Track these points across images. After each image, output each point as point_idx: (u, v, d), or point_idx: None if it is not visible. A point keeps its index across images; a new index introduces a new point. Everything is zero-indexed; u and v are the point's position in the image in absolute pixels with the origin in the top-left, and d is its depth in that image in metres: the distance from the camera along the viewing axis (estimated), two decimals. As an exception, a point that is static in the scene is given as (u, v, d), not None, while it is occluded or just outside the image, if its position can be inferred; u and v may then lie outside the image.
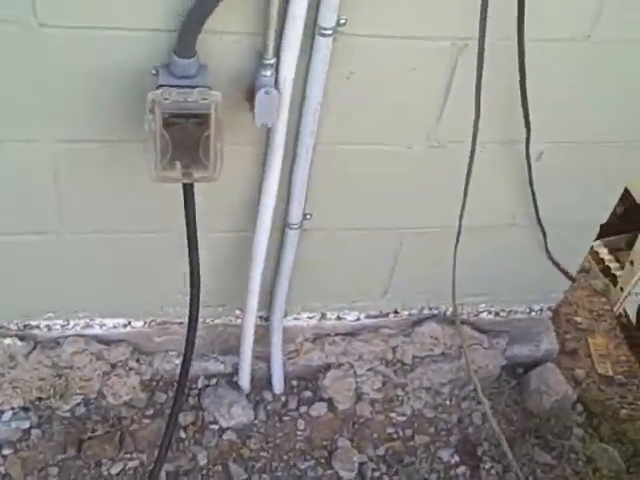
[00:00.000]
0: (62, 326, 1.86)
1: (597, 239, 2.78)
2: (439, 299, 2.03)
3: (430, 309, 2.07)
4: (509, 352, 2.19)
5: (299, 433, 1.98)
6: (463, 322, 2.11)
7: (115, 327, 1.90)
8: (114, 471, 1.84)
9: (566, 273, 2.04)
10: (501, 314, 2.15)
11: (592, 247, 2.77)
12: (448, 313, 2.09)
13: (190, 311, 1.63)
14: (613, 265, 2.73)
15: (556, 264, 1.99)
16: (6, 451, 1.86)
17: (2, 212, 1.57)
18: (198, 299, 1.61)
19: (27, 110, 1.40)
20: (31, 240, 1.63)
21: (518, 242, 1.91)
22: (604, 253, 2.79)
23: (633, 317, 2.48)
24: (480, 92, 1.43)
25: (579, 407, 2.20)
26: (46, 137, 1.45)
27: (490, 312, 2.13)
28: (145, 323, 1.91)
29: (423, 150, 1.63)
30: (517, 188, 1.76)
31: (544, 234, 1.87)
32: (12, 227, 1.60)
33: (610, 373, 2.36)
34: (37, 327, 1.85)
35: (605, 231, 2.76)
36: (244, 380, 2.00)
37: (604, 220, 1.94)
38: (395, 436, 2.02)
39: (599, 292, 2.66)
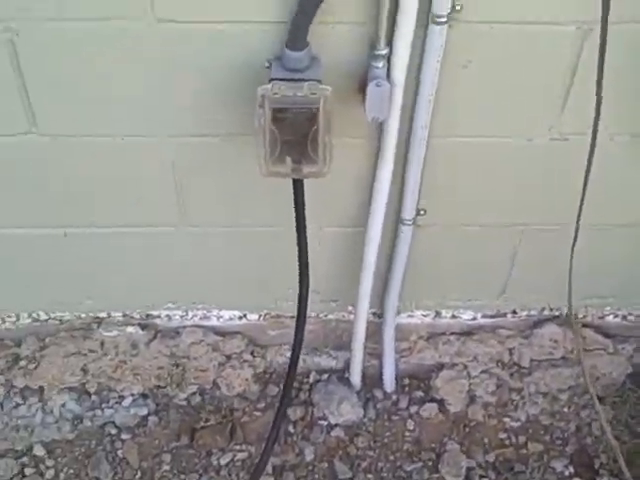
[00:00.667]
0: (181, 316, 1.90)
1: None
2: (561, 300, 1.91)
3: (551, 310, 1.97)
4: (636, 359, 2.06)
5: (407, 434, 1.94)
6: (587, 325, 2.01)
7: (231, 319, 1.92)
8: (223, 462, 1.87)
9: None
10: (629, 318, 2.02)
11: None
12: (569, 316, 1.98)
13: (299, 307, 1.62)
14: None
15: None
16: (125, 436, 1.92)
17: (126, 206, 1.62)
18: (307, 294, 1.60)
19: (147, 105, 1.43)
20: (152, 232, 1.67)
21: (648, 241, 1.79)
22: None
23: None
24: (602, 80, 1.33)
25: None
26: (166, 131, 1.48)
27: (617, 315, 2.01)
28: (260, 316, 1.93)
29: (545, 143, 1.54)
30: (648, 184, 1.64)
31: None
32: (135, 220, 1.65)
33: None
34: (158, 317, 1.90)
35: None
36: (355, 377, 1.98)
37: None
38: (507, 442, 1.94)
39: None
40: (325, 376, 2.02)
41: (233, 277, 1.80)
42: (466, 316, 1.97)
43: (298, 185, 1.44)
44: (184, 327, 1.90)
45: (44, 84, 1.38)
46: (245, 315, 1.91)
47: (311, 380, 2.02)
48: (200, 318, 1.89)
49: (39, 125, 1.44)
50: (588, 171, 1.45)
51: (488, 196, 1.66)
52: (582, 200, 1.51)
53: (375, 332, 1.94)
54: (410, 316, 1.95)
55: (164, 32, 1.31)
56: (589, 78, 1.37)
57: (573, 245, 1.59)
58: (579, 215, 1.54)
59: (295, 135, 1.31)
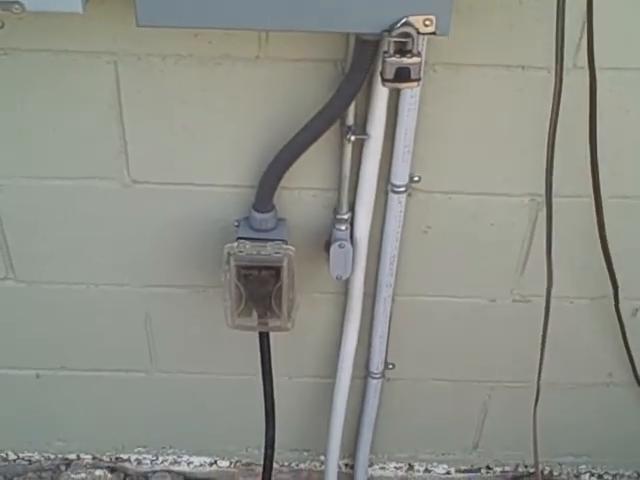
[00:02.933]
0: (151, 461, 1.90)
1: None
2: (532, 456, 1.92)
3: (526, 467, 1.96)
4: (615, 519, 2.02)
5: None
6: (563, 483, 1.98)
7: (202, 465, 1.92)
8: None
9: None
10: (605, 477, 2.00)
11: None
12: (546, 472, 1.97)
13: (265, 454, 1.63)
14: None
15: (664, 423, 1.85)
16: None
17: (98, 350, 1.66)
18: (273, 443, 1.61)
19: (120, 256, 1.50)
20: (123, 377, 1.71)
21: (618, 402, 1.80)
22: None
23: None
24: (550, 250, 1.40)
25: None
26: (136, 282, 1.55)
27: (593, 474, 1.99)
28: (231, 463, 1.92)
29: (508, 304, 1.59)
30: (612, 345, 1.67)
31: (647, 392, 1.76)
32: (106, 364, 1.69)
33: None
34: (128, 460, 1.90)
35: None
36: (328, 530, 1.94)
37: None
38: None
39: None
40: (298, 528, 1.98)
41: (204, 423, 1.81)
42: (439, 470, 1.95)
43: (264, 337, 1.48)
44: (154, 472, 1.89)
45: (22, 234, 1.47)
46: (216, 461, 1.90)
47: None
48: (170, 463, 1.89)
49: (16, 271, 1.52)
50: (545, 332, 1.49)
51: (454, 352, 1.69)
52: (541, 360, 1.55)
53: (348, 483, 1.93)
54: (382, 468, 1.94)
55: (139, 192, 1.40)
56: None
57: (535, 404, 1.61)
58: (539, 374, 1.57)
59: (260, 291, 1.37)
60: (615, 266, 1.49)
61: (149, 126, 1.32)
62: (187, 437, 1.85)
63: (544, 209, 1.42)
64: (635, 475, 2.01)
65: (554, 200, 1.36)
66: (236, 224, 1.40)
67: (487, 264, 1.53)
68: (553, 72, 1.21)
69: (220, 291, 1.47)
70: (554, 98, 1.20)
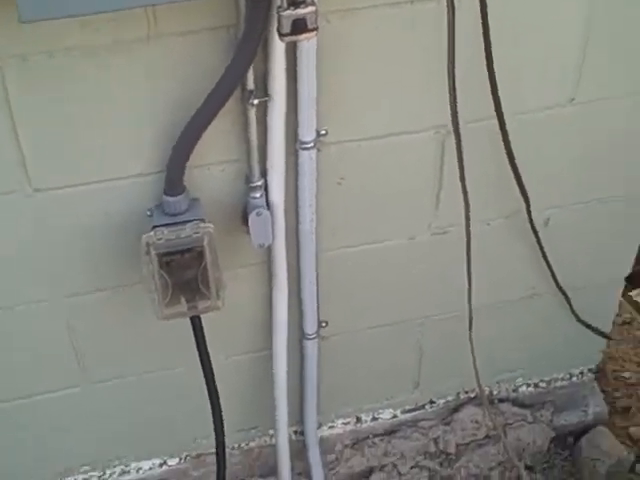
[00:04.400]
0: (99, 477, 1.81)
1: (634, 288, 2.74)
2: (474, 381, 1.96)
3: (466, 393, 2.00)
4: (556, 422, 2.10)
5: None
6: (503, 400, 2.04)
7: (151, 468, 1.85)
8: None
9: (599, 332, 1.98)
10: (541, 385, 2.08)
11: (631, 297, 2.72)
12: (486, 393, 2.02)
13: (216, 441, 1.58)
14: (656, 313, 2.66)
15: (587, 325, 1.93)
16: None
17: (25, 374, 1.55)
18: (222, 427, 1.56)
19: (32, 272, 1.40)
20: (56, 397, 1.61)
21: (544, 311, 1.87)
22: (644, 302, 2.72)
23: (681, 363, 2.40)
24: (464, 176, 1.42)
25: (639, 467, 2.10)
26: (55, 295, 1.45)
27: (529, 385, 2.06)
28: (180, 459, 1.86)
29: (427, 239, 1.61)
30: (531, 258, 1.72)
31: (567, 298, 1.83)
32: (37, 388, 1.58)
33: (666, 425, 2.27)
34: (75, 482, 1.81)
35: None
36: (288, 500, 1.93)
37: (626, 273, 1.90)
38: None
39: (646, 342, 2.58)
40: (258, 505, 1.96)
41: (146, 425, 1.74)
42: (386, 415, 1.97)
43: (196, 321, 1.43)
44: (103, 488, 1.82)
45: None
46: (165, 462, 1.84)
47: (243, 513, 1.95)
48: (119, 474, 1.81)
49: None
50: (469, 255, 1.52)
51: (384, 298, 1.70)
52: (469, 285, 1.57)
53: (300, 450, 1.91)
54: (331, 427, 1.94)
55: (43, 200, 1.30)
56: (457, 173, 1.45)
57: (470, 327, 1.64)
58: (469, 299, 1.60)
59: (185, 275, 1.31)
60: (524, 181, 1.53)
61: (45, 131, 1.22)
62: (132, 444, 1.77)
63: (450, 140, 1.44)
64: (568, 376, 2.10)
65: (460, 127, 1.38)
66: (149, 213, 1.33)
67: (403, 204, 1.53)
68: (442, 2, 1.20)
69: (139, 287, 1.42)
70: (449, 26, 1.20)
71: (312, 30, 1.08)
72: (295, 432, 1.89)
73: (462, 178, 1.42)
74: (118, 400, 1.66)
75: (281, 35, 1.06)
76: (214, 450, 1.76)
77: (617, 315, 2.59)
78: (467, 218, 1.48)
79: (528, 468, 2.05)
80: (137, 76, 1.20)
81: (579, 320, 1.90)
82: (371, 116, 1.37)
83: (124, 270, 1.43)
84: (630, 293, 2.67)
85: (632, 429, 2.23)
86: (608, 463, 2.04)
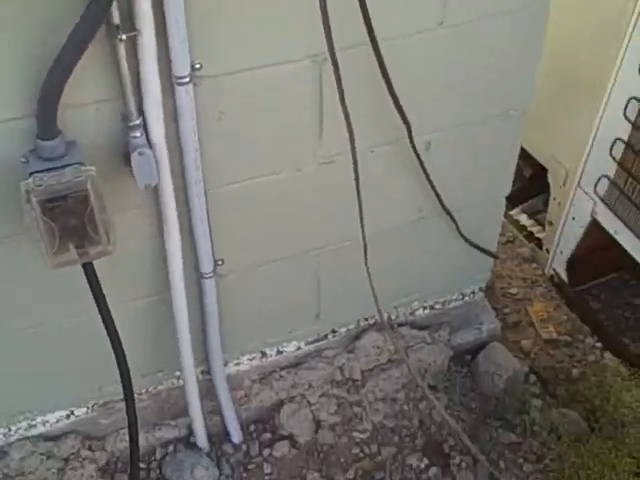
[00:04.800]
0: (4, 434, 1.80)
1: (514, 207, 2.86)
2: (373, 308, 2.01)
3: (366, 320, 2.07)
4: (454, 342, 2.20)
5: (267, 478, 1.94)
6: (401, 324, 2.12)
7: (58, 420, 1.85)
8: None
9: (486, 251, 2.06)
10: (436, 306, 2.16)
11: (512, 216, 2.83)
12: (381, 320, 2.09)
13: (124, 387, 1.59)
14: (535, 229, 2.78)
15: (474, 245, 2.01)
16: None
17: None
18: (128, 372, 1.57)
19: None
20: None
21: (432, 233, 1.93)
22: (524, 219, 2.84)
23: (564, 275, 2.53)
24: (344, 102, 1.44)
25: (532, 378, 2.22)
26: None
27: (425, 307, 2.15)
28: (88, 409, 1.86)
29: (314, 169, 1.63)
30: (416, 182, 1.77)
31: (454, 219, 1.89)
32: None
33: (555, 336, 2.40)
34: (-22, 441, 1.78)
35: (519, 197, 2.84)
36: (201, 439, 1.96)
37: (507, 193, 1.98)
38: (362, 455, 2.00)
39: (528, 259, 2.70)
40: (171, 448, 1.98)
41: (49, 377, 1.73)
42: (290, 348, 2.01)
43: (89, 268, 1.41)
44: (10, 444, 1.80)
45: None
46: (72, 412, 1.84)
47: (158, 456, 1.97)
48: (25, 429, 1.80)
49: None
50: (357, 183, 1.55)
51: (277, 232, 1.72)
52: (360, 211, 1.61)
53: (209, 389, 1.94)
54: (237, 364, 1.97)
55: None
56: (337, 102, 1.47)
57: (365, 254, 1.68)
58: (362, 225, 1.64)
59: (71, 221, 1.29)
60: (404, 106, 1.56)
61: None
62: (35, 398, 1.76)
63: (326, 68, 1.45)
64: (460, 297, 2.19)
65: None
66: (23, 160, 1.29)
67: (286, 135, 1.55)
68: None
69: (24, 237, 1.39)
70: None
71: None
72: (202, 372, 1.92)
73: (343, 105, 1.44)
74: (17, 353, 1.64)
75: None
76: (121, 397, 1.77)
77: (500, 234, 2.72)
78: (352, 144, 1.51)
79: (431, 387, 2.14)
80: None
81: (467, 240, 1.98)
82: (244, 47, 1.36)
83: (5, 222, 1.40)
84: (511, 212, 2.80)
85: (523, 342, 2.36)
86: (505, 376, 2.16)
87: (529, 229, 2.79)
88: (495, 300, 2.48)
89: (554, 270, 2.57)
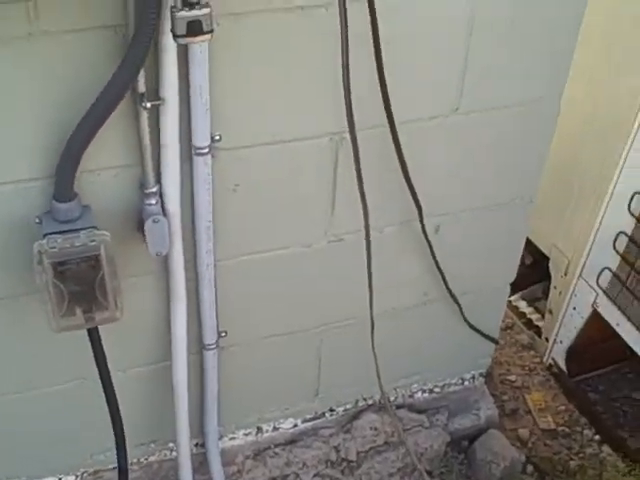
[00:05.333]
0: (-11, 499, 1.75)
1: (513, 294, 2.86)
2: (371, 389, 2.00)
3: (365, 400, 2.04)
4: (451, 427, 2.17)
5: None
6: (399, 406, 2.09)
7: (46, 487, 1.80)
8: None
9: (488, 336, 2.06)
10: (435, 390, 2.14)
11: (511, 302, 2.83)
12: (382, 401, 2.06)
13: (118, 456, 1.56)
14: (534, 316, 2.77)
15: (477, 330, 2.01)
16: None
17: None
18: (124, 442, 1.54)
19: None
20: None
21: (436, 317, 1.93)
22: (523, 306, 2.84)
23: (563, 365, 2.51)
24: (362, 181, 1.46)
25: (529, 468, 2.19)
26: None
27: (424, 390, 2.12)
28: (77, 477, 1.82)
29: (323, 246, 1.64)
30: (423, 265, 1.78)
31: (458, 304, 1.89)
32: None
33: (553, 426, 2.37)
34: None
35: (519, 284, 2.85)
36: (190, 514, 1.91)
37: (512, 279, 1.99)
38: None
39: (527, 346, 2.69)
40: (159, 522, 1.93)
41: (40, 442, 1.69)
42: (287, 425, 1.98)
43: (94, 333, 1.41)
44: (-4, 509, 1.75)
45: None
46: (61, 479, 1.79)
47: (145, 530, 1.91)
48: (12, 495, 1.76)
49: None
50: (369, 263, 1.55)
51: (282, 306, 1.72)
52: (370, 291, 1.61)
53: (202, 463, 1.90)
54: (232, 438, 1.94)
55: None
56: (350, 181, 1.49)
57: (372, 334, 1.68)
58: (371, 305, 1.64)
59: (81, 285, 1.29)
60: (416, 188, 1.58)
61: None
62: (25, 463, 1.72)
63: (342, 147, 1.48)
64: (460, 381, 2.17)
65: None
66: (37, 221, 1.30)
67: (298, 211, 1.56)
68: (329, 9, 1.25)
69: (34, 297, 1.38)
70: (342, 32, 1.23)
71: (207, 32, 1.10)
72: (196, 445, 1.88)
73: (360, 184, 1.46)
74: (9, 415, 1.61)
75: (175, 37, 1.07)
76: (112, 466, 1.74)
77: (500, 320, 2.72)
78: (366, 223, 1.52)
79: (427, 472, 2.10)
80: (16, 75, 1.18)
81: (470, 325, 1.97)
82: (264, 121, 1.39)
83: (11, 281, 1.39)
84: (510, 298, 2.79)
85: (520, 431, 2.33)
86: (502, 465, 2.12)
87: (528, 316, 2.78)
88: (493, 387, 2.45)
89: (553, 359, 2.56)
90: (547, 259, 2.53)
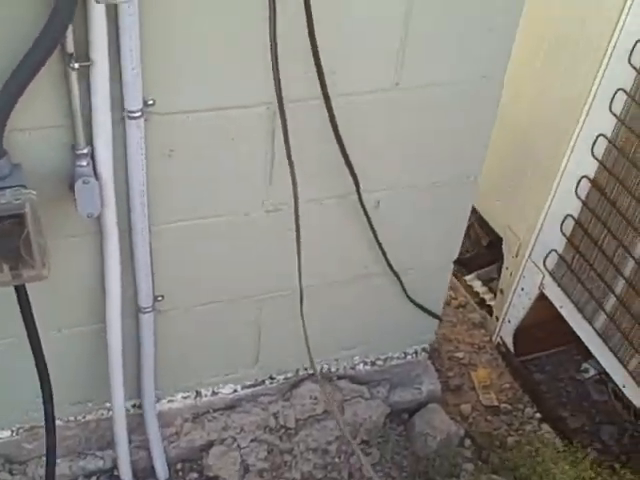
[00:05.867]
0: None
1: (469, 273, 2.90)
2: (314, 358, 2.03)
3: (306, 369, 2.07)
4: (392, 399, 2.20)
5: (188, 518, 1.92)
6: (341, 377, 2.12)
7: (-20, 441, 1.82)
8: None
9: (431, 313, 2.08)
10: (377, 363, 2.17)
11: (466, 281, 2.86)
12: (324, 370, 2.09)
13: (45, 413, 1.57)
14: (488, 296, 2.80)
15: (419, 306, 2.03)
16: None
17: None
18: (51, 399, 1.56)
19: None
20: None
21: (377, 291, 1.95)
22: (478, 286, 2.86)
23: (510, 344, 2.55)
24: (290, 152, 1.46)
25: (467, 442, 2.23)
26: None
27: (366, 363, 2.15)
28: (12, 431, 1.84)
29: (261, 215, 1.65)
30: (364, 239, 1.79)
31: (399, 279, 1.91)
32: None
33: (495, 403, 2.41)
34: None
35: (475, 264, 2.89)
36: (125, 473, 1.94)
37: (455, 257, 2.00)
38: (286, 503, 1.99)
39: (477, 325, 2.72)
40: (94, 479, 1.96)
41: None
42: (226, 390, 2.01)
43: (21, 291, 1.41)
44: None
45: None
46: (-5, 433, 1.82)
47: (79, 486, 1.95)
48: (-54, 449, 1.78)
49: None
50: (298, 236, 1.57)
51: (220, 274, 1.73)
52: (299, 262, 1.62)
53: (139, 424, 1.92)
54: (171, 401, 1.96)
55: None
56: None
57: (301, 304, 1.69)
58: (300, 275, 1.65)
59: (6, 242, 1.30)
60: (354, 162, 1.59)
61: None
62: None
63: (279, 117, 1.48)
64: (403, 356, 2.20)
65: (289, 106, 1.42)
66: (-34, 175, 1.30)
67: (236, 179, 1.57)
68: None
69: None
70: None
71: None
72: (134, 405, 1.90)
73: (288, 154, 1.46)
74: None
75: (97, -6, 1.07)
76: (47, 423, 1.75)
77: (453, 298, 2.76)
78: (295, 194, 1.53)
79: (364, 442, 2.14)
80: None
81: (412, 301, 2.00)
82: (200, 88, 1.39)
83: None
84: (465, 278, 2.83)
85: (463, 406, 2.37)
86: (439, 438, 2.16)
87: (481, 296, 2.81)
88: (440, 362, 2.49)
89: (501, 338, 2.59)
90: (502, 240, 2.56)
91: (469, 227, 2.85)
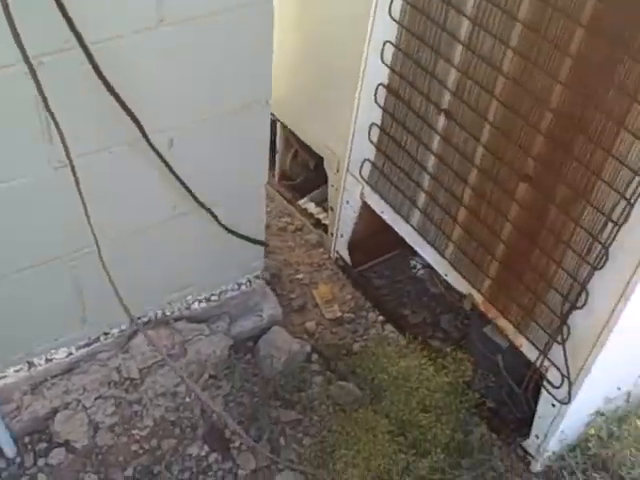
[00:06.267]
0: None
1: (302, 197, 2.95)
2: (144, 307, 2.03)
3: (140, 319, 2.06)
4: (233, 331, 2.24)
5: (43, 487, 1.91)
6: (178, 319, 2.14)
7: None
8: None
9: (254, 240, 2.11)
10: (212, 298, 2.19)
11: (300, 205, 2.91)
12: (160, 316, 2.10)
13: None
14: (322, 216, 2.86)
15: (240, 235, 2.05)
16: None
17: None
18: None
19: None
20: None
21: (192, 228, 1.95)
22: (311, 207, 2.92)
23: (347, 257, 2.63)
24: (48, 104, 1.42)
25: (314, 356, 2.31)
26: None
27: (200, 300, 2.17)
28: None
29: (50, 174, 1.61)
30: (165, 180, 1.78)
31: (212, 213, 1.92)
32: None
33: (339, 314, 2.49)
34: None
35: (307, 187, 2.94)
36: (-29, 458, 1.90)
37: (264, 182, 2.02)
38: (141, 451, 2.00)
39: (315, 245, 2.78)
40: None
41: None
42: (60, 355, 1.98)
43: None
44: None
45: None
46: None
47: None
48: None
49: None
50: (79, 188, 1.54)
51: (27, 238, 1.69)
52: (86, 214, 1.59)
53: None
54: (3, 377, 1.92)
55: None
56: (60, 105, 1.45)
57: (99, 253, 1.67)
58: (91, 228, 1.62)
59: None
60: (136, 106, 1.56)
61: None
62: None
63: (41, 71, 1.43)
64: (237, 287, 2.23)
65: (45, 59, 1.38)
66: None
67: (13, 141, 1.51)
68: None
69: None
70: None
71: None
72: (-41, 389, 1.85)
73: (47, 107, 1.42)
74: None
75: None
76: None
77: (289, 224, 2.82)
78: (64, 145, 1.49)
79: (212, 377, 2.17)
80: None
81: (230, 232, 2.01)
82: None
83: None
84: (299, 202, 2.88)
85: (308, 324, 2.45)
86: (283, 358, 2.23)
87: (316, 216, 2.87)
88: (281, 287, 2.55)
89: (337, 253, 2.67)
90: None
91: (295, 153, 2.91)
